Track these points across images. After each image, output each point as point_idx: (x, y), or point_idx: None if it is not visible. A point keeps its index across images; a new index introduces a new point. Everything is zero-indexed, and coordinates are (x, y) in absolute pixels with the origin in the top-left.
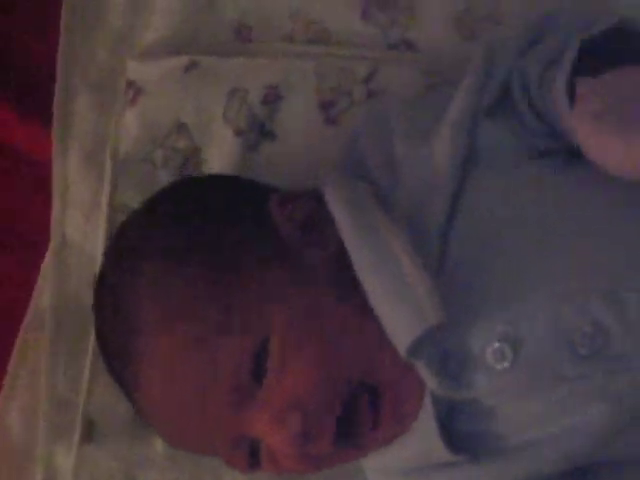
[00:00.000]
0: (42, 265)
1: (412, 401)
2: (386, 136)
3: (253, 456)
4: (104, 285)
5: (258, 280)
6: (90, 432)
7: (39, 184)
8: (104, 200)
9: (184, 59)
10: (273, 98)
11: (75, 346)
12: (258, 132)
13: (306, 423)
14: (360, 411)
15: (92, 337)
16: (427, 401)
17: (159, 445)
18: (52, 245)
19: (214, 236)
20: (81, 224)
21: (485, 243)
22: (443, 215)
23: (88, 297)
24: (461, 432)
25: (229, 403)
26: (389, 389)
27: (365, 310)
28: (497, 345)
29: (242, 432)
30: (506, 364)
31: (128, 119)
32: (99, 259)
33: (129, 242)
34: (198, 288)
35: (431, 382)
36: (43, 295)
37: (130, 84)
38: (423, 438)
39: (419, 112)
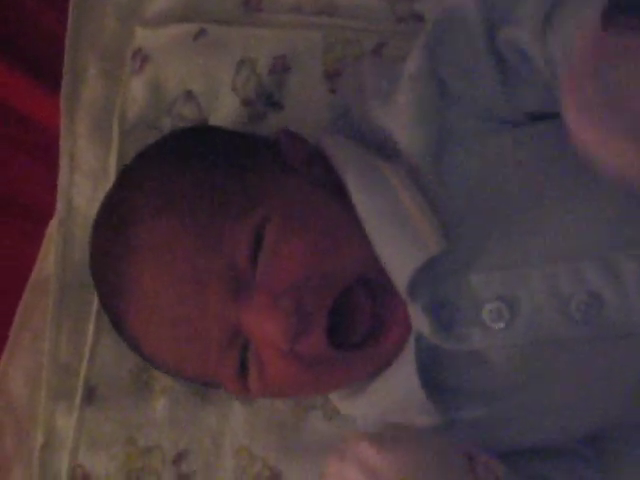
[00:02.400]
0: (47, 231)
1: (401, 315)
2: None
3: (243, 368)
4: (106, 199)
5: (258, 174)
6: (91, 395)
7: (46, 151)
8: (112, 167)
9: (193, 27)
10: (281, 68)
11: (78, 311)
12: (265, 102)
13: (298, 306)
14: (353, 308)
15: (95, 302)
16: (410, 344)
17: (159, 407)
18: (58, 211)
19: (220, 143)
20: (88, 191)
21: (480, 202)
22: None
23: None
24: (443, 388)
25: (225, 289)
26: (383, 291)
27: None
28: (495, 304)
29: (235, 325)
30: (502, 324)
31: (135, 87)
32: None
33: (133, 162)
34: (199, 178)
35: (424, 325)
36: (47, 260)
37: (137, 51)
38: (403, 385)
39: (387, 70)
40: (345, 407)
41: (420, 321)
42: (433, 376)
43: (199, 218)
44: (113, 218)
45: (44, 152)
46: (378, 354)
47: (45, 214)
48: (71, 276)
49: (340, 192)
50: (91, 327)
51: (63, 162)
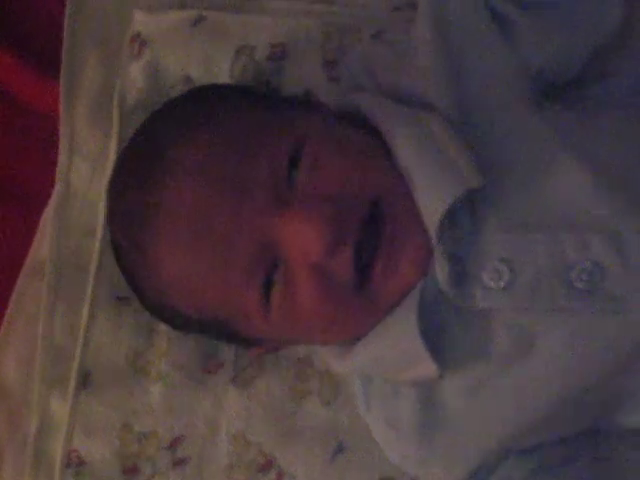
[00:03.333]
0: (43, 214)
1: (415, 256)
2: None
3: (267, 291)
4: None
5: (292, 107)
6: (86, 380)
7: (45, 136)
8: (111, 151)
9: (192, 13)
10: (279, 55)
11: (73, 296)
12: (263, 89)
13: (337, 214)
14: (377, 233)
15: (91, 286)
16: (416, 292)
17: (155, 393)
18: (56, 193)
19: None
20: (87, 173)
21: (498, 164)
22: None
23: (89, 247)
24: (439, 349)
25: (263, 198)
26: (403, 221)
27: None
28: (497, 265)
29: (268, 238)
30: (502, 284)
31: (134, 71)
32: (102, 210)
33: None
34: (236, 106)
35: (442, 271)
36: (43, 244)
37: (136, 36)
38: (401, 331)
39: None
40: (339, 364)
41: (440, 265)
42: (431, 335)
43: (238, 134)
44: (144, 144)
45: (44, 137)
46: (388, 292)
47: (42, 199)
48: (66, 260)
49: (373, 133)
50: (85, 311)
51: (62, 145)
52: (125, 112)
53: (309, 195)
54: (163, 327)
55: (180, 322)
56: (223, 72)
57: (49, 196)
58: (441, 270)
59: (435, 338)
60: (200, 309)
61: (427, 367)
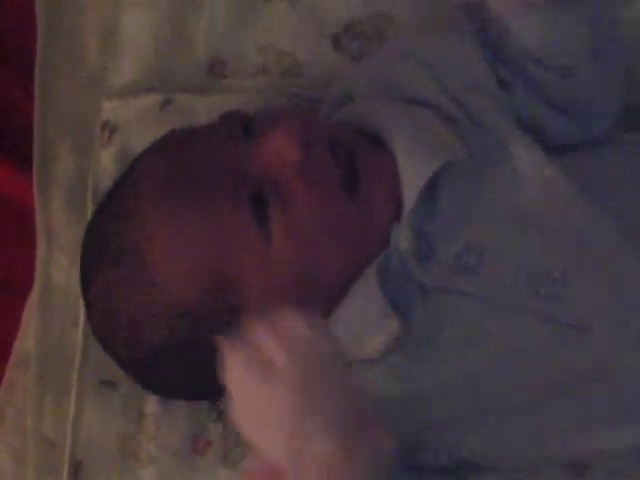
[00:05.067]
0: (26, 306)
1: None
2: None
3: (261, 214)
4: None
5: None
6: (78, 470)
7: (21, 228)
8: None
9: (159, 96)
10: None
11: (60, 386)
12: None
13: (302, 129)
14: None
15: (76, 376)
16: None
17: (148, 477)
18: (37, 287)
19: None
20: (66, 266)
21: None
22: None
23: (72, 338)
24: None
25: (231, 138)
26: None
27: None
28: (464, 247)
29: (245, 162)
30: (467, 267)
31: (105, 159)
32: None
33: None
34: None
35: (405, 240)
36: (27, 335)
37: (105, 124)
38: (364, 295)
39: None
40: None
41: (404, 234)
42: (397, 304)
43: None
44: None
45: (18, 229)
46: (377, 196)
47: (23, 289)
48: (51, 351)
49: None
50: (72, 401)
51: (40, 239)
52: (100, 200)
53: (268, 128)
54: (151, 409)
55: (175, 353)
56: None
57: (31, 284)
58: (404, 239)
59: (398, 311)
60: (198, 281)
61: (390, 324)
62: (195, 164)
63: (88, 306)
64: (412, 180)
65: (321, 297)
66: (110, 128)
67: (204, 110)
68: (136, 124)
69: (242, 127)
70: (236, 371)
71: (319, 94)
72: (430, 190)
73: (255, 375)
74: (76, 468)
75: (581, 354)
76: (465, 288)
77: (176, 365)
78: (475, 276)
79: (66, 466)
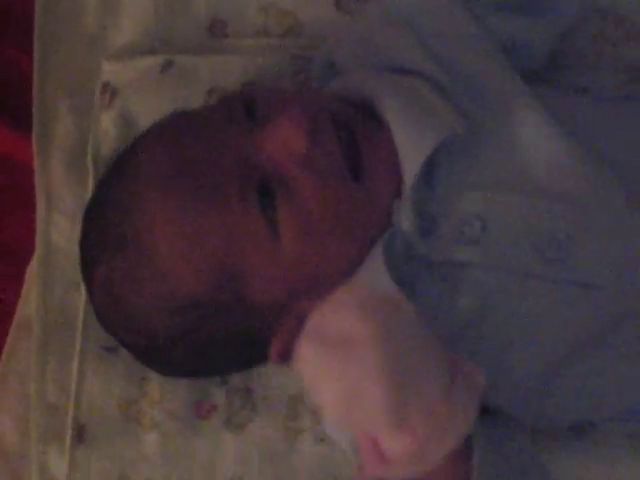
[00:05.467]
0: (27, 271)
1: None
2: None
3: (268, 206)
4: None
5: None
6: (81, 435)
7: (21, 190)
8: None
9: (159, 58)
10: None
11: (62, 351)
12: None
13: (305, 114)
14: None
15: (79, 340)
16: (382, 241)
17: (150, 441)
18: (38, 251)
19: None
20: (67, 229)
21: (476, 123)
22: None
23: (74, 302)
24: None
25: (234, 129)
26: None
27: None
28: (467, 218)
29: (250, 152)
30: (472, 238)
31: (106, 122)
32: None
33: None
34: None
35: (407, 220)
36: (29, 301)
37: (105, 86)
38: (371, 277)
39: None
40: None
41: (406, 214)
42: (405, 283)
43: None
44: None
45: (17, 191)
46: (381, 179)
47: (23, 254)
48: (53, 316)
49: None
50: (75, 366)
51: (39, 202)
52: (100, 164)
53: (272, 114)
54: (154, 374)
55: (177, 343)
56: None
57: (32, 250)
58: (406, 217)
59: (403, 290)
60: (205, 273)
61: None
62: (200, 153)
63: (89, 290)
64: (411, 158)
65: (328, 282)
66: (110, 90)
67: (205, 72)
68: (137, 87)
69: (245, 110)
70: (315, 357)
71: None
72: (428, 164)
73: (335, 352)
74: (80, 432)
75: (593, 311)
76: (471, 258)
77: (179, 351)
78: (479, 246)
79: (69, 430)
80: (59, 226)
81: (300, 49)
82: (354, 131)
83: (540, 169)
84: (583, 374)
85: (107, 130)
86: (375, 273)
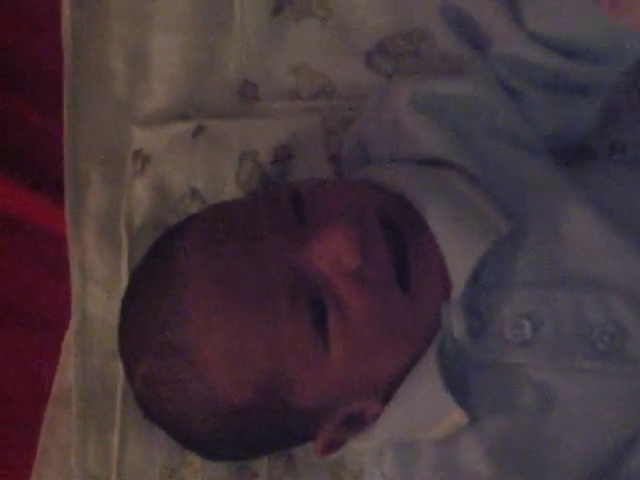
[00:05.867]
0: (64, 341)
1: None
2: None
3: (320, 326)
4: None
5: None
6: None
7: (55, 260)
8: (123, 273)
9: (191, 124)
10: (283, 157)
11: (102, 421)
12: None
13: (353, 218)
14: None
15: (119, 410)
16: (433, 347)
17: None
18: (74, 322)
19: None
20: (102, 299)
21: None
22: None
23: (112, 371)
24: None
25: (281, 240)
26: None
27: None
28: (519, 321)
29: (296, 267)
30: (523, 339)
31: (138, 189)
32: None
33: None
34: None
35: (459, 324)
36: (67, 372)
37: (137, 153)
38: (425, 388)
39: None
40: (368, 438)
41: (457, 318)
42: (454, 387)
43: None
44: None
45: (52, 261)
46: (428, 287)
47: (59, 324)
48: (92, 386)
49: None
50: (116, 436)
51: (74, 272)
52: (133, 232)
53: (321, 219)
54: None
55: (224, 430)
56: (228, 180)
57: (67, 321)
58: (458, 323)
59: (458, 390)
60: (251, 385)
61: (455, 415)
62: (246, 262)
63: (130, 380)
64: (460, 266)
65: (377, 389)
66: (142, 157)
67: (237, 136)
68: (168, 153)
69: (293, 210)
70: None
71: (352, 115)
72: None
73: None
74: None
75: None
76: (523, 361)
77: (220, 447)
78: (531, 348)
79: None
80: (94, 296)
81: (333, 110)
82: (402, 234)
83: (585, 261)
84: None
85: (140, 198)
86: (428, 378)
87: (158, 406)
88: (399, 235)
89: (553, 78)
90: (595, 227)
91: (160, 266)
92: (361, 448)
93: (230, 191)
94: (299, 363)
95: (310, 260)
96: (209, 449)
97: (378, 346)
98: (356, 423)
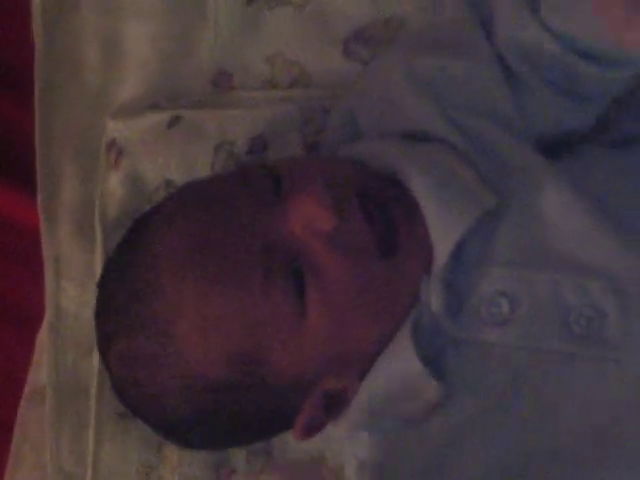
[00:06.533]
0: (37, 338)
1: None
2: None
3: (296, 289)
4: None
5: None
6: None
7: (28, 254)
8: (97, 267)
9: (165, 114)
10: (260, 147)
11: (77, 418)
12: None
13: (329, 184)
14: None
15: (94, 407)
16: (408, 324)
17: None
18: (47, 318)
19: None
20: (76, 295)
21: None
22: None
23: (87, 368)
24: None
25: (255, 205)
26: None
27: None
28: (495, 297)
29: (274, 230)
30: (499, 318)
31: (113, 181)
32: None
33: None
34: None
35: (437, 300)
36: (41, 370)
37: (111, 144)
38: (400, 362)
39: None
40: (346, 421)
41: (436, 293)
42: (431, 363)
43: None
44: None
45: (25, 255)
46: (406, 269)
47: (33, 320)
48: (66, 383)
49: None
50: (91, 433)
51: (48, 268)
52: (108, 225)
53: (297, 189)
54: None
55: (200, 417)
56: (204, 171)
57: (42, 315)
58: (436, 298)
59: (435, 367)
60: (227, 357)
61: (429, 390)
62: (221, 231)
63: (106, 363)
64: (444, 239)
65: (356, 360)
66: (116, 150)
67: (213, 127)
68: (143, 145)
69: (272, 185)
70: None
71: (329, 104)
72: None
73: None
74: None
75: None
76: (500, 340)
77: (199, 429)
78: (508, 327)
79: None
80: (68, 292)
81: (309, 100)
82: (387, 206)
83: (566, 243)
84: None
85: (114, 191)
86: (403, 352)
87: (134, 388)
88: (383, 207)
89: (564, 77)
90: (576, 211)
91: (133, 241)
92: (338, 434)
93: None
94: (275, 333)
95: (285, 227)
96: (185, 434)
97: (356, 314)
98: (335, 405)
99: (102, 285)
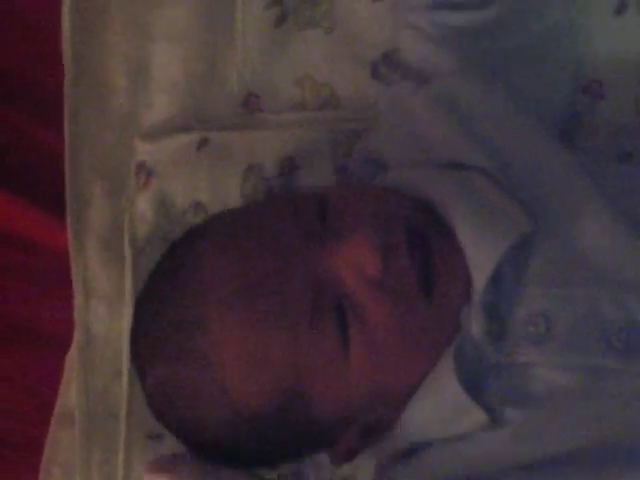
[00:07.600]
0: (67, 359)
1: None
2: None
3: (341, 329)
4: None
5: None
6: None
7: (57, 277)
8: (127, 289)
9: (194, 136)
10: (289, 169)
11: (106, 441)
12: None
13: (377, 223)
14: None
15: (123, 430)
16: (450, 351)
17: None
18: (76, 340)
19: None
20: (105, 316)
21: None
22: None
23: (116, 390)
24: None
25: (303, 244)
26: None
27: None
28: (534, 319)
29: (321, 273)
30: (539, 338)
31: (142, 203)
32: (125, 351)
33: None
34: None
35: (478, 324)
36: (70, 389)
37: (140, 166)
38: (442, 390)
39: None
40: (389, 443)
41: (476, 318)
42: (472, 386)
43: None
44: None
45: (54, 278)
46: (453, 294)
47: (62, 342)
48: (95, 405)
49: None
50: (121, 457)
51: (77, 289)
52: (137, 247)
53: (346, 225)
54: None
55: (244, 438)
56: (233, 193)
57: (71, 338)
58: (476, 323)
59: (474, 391)
60: (269, 392)
61: (476, 416)
62: (271, 265)
63: (142, 383)
64: (481, 266)
65: (396, 396)
66: (146, 171)
67: (242, 149)
68: (172, 167)
69: (317, 216)
70: None
71: (359, 126)
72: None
73: None
74: None
75: None
76: (535, 360)
77: (233, 454)
78: (543, 347)
79: None
80: (98, 313)
81: (339, 121)
82: (428, 239)
83: (601, 262)
84: None
85: (143, 211)
86: (446, 382)
87: (171, 412)
88: (424, 240)
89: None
90: (611, 228)
91: (179, 268)
92: (377, 462)
93: (235, 204)
94: (319, 372)
95: (333, 268)
96: (218, 457)
97: (398, 353)
98: (374, 431)
99: (142, 305)
